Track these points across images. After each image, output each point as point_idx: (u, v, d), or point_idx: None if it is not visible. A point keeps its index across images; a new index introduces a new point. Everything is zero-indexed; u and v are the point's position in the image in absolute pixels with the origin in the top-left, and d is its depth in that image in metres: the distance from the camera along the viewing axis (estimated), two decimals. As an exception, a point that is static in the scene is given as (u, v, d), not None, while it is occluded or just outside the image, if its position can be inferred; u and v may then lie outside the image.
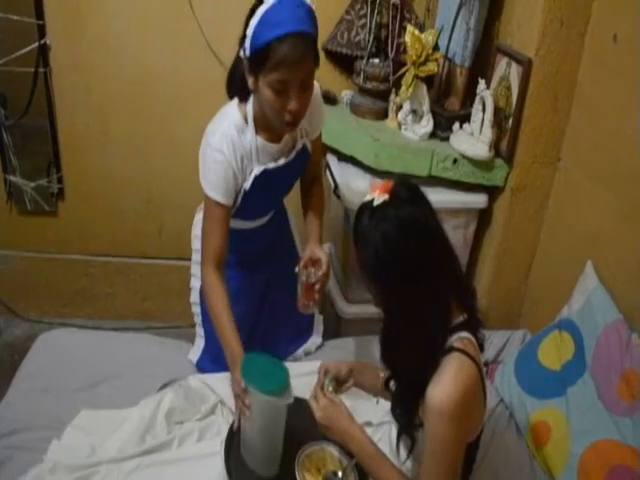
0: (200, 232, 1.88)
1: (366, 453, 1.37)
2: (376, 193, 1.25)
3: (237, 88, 1.66)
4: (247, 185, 1.69)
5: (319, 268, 1.77)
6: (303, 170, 1.85)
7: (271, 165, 1.71)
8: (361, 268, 1.29)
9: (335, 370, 1.53)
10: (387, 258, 1.22)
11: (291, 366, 1.56)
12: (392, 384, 1.44)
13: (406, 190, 1.27)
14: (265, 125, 1.66)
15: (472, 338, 1.29)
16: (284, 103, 1.52)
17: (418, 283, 1.23)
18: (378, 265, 1.24)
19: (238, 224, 1.84)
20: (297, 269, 1.79)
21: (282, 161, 1.73)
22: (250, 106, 1.65)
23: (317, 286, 1.78)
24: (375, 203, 1.25)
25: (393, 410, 1.43)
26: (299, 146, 1.77)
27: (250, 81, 1.56)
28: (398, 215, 1.22)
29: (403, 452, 1.42)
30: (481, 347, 1.34)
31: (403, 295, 1.25)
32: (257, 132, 1.67)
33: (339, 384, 1.55)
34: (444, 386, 1.21)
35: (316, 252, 1.80)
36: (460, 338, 1.27)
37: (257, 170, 1.68)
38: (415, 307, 1.26)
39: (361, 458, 1.38)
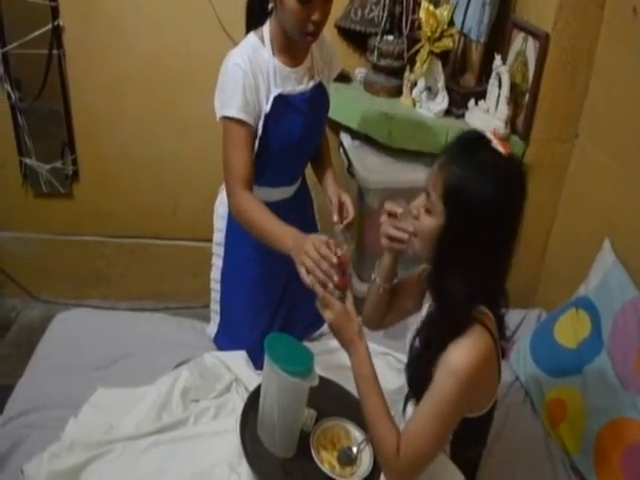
0: (224, 211, 1.87)
1: (362, 372, 1.35)
2: (499, 144, 1.25)
3: (256, 16, 1.70)
4: (267, 108, 1.69)
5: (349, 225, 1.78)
6: (323, 116, 1.88)
7: (289, 88, 1.72)
8: (444, 195, 1.24)
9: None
10: (491, 204, 1.22)
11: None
12: (416, 342, 1.40)
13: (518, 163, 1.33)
14: (283, 47, 1.70)
15: (491, 315, 1.30)
16: (308, 13, 1.57)
17: (499, 239, 1.27)
18: (476, 205, 1.22)
19: (261, 193, 1.81)
20: (337, 228, 1.72)
21: (301, 88, 1.74)
22: (267, 28, 1.69)
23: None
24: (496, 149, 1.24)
25: (408, 368, 1.42)
26: (317, 80, 1.79)
27: None
28: (518, 173, 1.26)
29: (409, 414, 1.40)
30: (500, 329, 1.33)
31: (482, 242, 1.25)
32: (274, 54, 1.69)
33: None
34: (463, 349, 1.22)
35: (342, 196, 1.84)
36: (481, 312, 1.28)
37: (275, 92, 1.69)
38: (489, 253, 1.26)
39: (356, 376, 1.36)
